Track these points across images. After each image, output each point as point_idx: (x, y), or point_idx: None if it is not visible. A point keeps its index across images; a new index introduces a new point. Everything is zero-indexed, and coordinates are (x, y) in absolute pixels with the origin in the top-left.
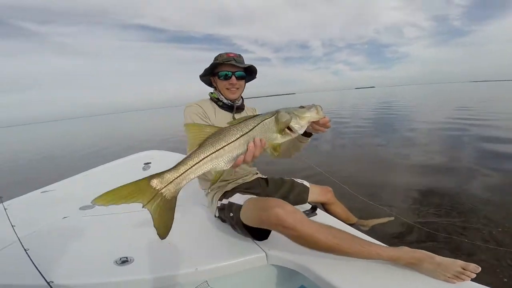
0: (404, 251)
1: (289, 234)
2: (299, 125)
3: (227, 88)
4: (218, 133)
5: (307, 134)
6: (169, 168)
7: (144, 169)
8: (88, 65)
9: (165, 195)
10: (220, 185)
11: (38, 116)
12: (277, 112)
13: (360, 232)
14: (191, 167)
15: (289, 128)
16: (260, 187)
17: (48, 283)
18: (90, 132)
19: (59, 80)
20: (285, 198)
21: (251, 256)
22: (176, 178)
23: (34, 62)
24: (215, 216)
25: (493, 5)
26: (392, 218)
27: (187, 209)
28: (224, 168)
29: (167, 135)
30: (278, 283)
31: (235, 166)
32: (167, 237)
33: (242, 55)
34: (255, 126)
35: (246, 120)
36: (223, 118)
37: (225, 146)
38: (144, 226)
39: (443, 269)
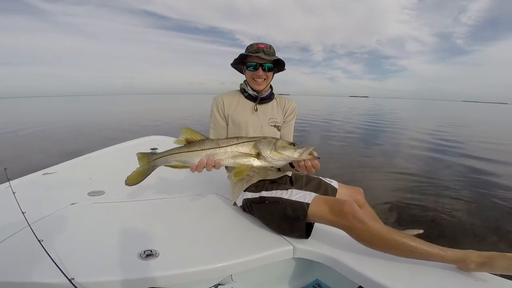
0: (472, 252)
1: (356, 227)
2: (272, 158)
3: (253, 78)
4: (199, 141)
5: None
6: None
7: None
8: (91, 46)
9: (149, 165)
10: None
11: (41, 91)
12: (261, 139)
13: None
14: (168, 155)
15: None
16: (287, 184)
17: (69, 280)
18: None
19: (62, 57)
20: None
21: (278, 249)
22: (158, 158)
23: (43, 39)
24: (237, 205)
25: (499, 26)
26: (421, 231)
27: (207, 199)
28: (188, 166)
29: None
30: (293, 276)
31: (192, 169)
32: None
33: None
34: (233, 145)
35: (238, 138)
36: (245, 108)
37: (191, 151)
38: (160, 215)
39: None
